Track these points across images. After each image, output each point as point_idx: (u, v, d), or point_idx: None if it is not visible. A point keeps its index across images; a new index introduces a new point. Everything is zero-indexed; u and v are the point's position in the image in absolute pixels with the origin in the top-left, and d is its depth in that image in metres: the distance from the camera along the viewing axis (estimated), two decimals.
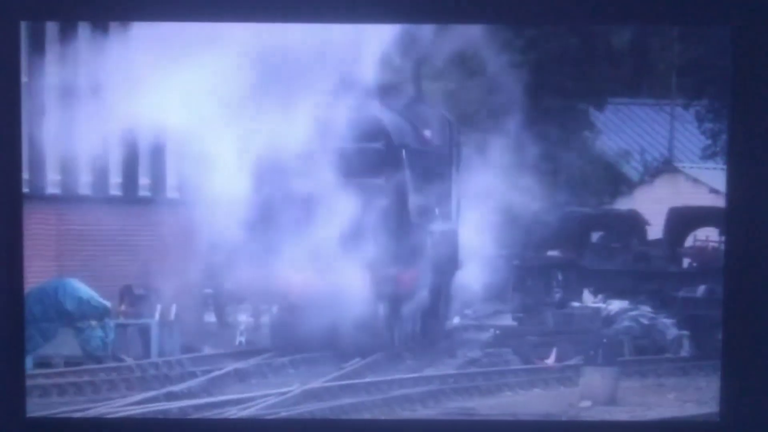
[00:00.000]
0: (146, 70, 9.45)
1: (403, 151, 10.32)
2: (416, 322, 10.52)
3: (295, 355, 9.95)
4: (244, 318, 10.49)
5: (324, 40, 9.36)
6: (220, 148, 9.79)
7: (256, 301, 10.22)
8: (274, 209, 9.92)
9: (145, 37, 9.01)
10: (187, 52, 9.22)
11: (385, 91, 10.72)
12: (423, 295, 10.30)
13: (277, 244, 9.89)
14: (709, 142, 13.70)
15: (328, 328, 9.82)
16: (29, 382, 6.91)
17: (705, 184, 13.16)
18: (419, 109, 11.16)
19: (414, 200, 10.27)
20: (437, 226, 10.60)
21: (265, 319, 10.36)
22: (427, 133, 11.00)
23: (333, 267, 9.85)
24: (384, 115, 10.50)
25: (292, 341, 10.02)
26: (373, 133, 10.20)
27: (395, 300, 10.05)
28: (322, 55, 9.65)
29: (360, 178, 10.02)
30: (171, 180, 11.17)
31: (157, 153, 10.94)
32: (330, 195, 9.89)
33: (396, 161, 10.21)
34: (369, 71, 10.50)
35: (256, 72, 9.50)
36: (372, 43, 10.32)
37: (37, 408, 7.47)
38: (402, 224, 10.06)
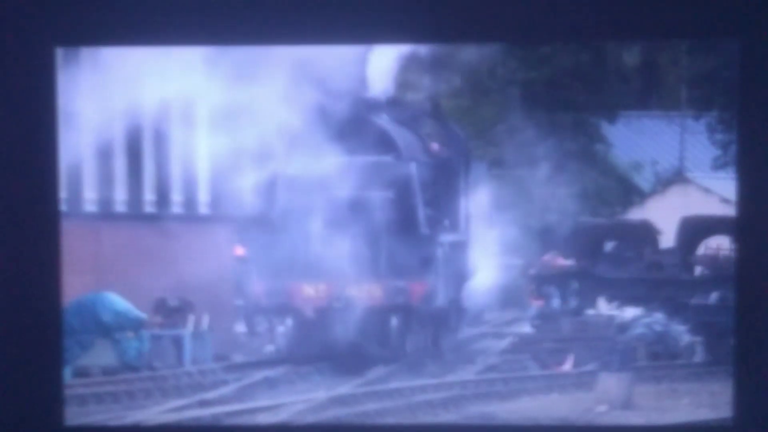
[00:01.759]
0: (172, 87, 9.47)
1: (413, 164, 10.18)
2: (428, 333, 10.39)
3: (312, 364, 9.87)
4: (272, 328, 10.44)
5: (334, 52, 9.29)
6: (241, 163, 9.77)
7: (269, 314, 10.14)
8: (287, 223, 9.85)
9: (172, 56, 9.03)
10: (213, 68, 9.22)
11: (394, 106, 10.64)
12: (434, 305, 10.17)
13: (288, 257, 9.83)
14: (719, 152, 13.51)
15: (341, 340, 9.74)
16: (68, 392, 6.91)
17: (716, 193, 12.97)
18: (428, 122, 11.08)
19: (423, 212, 10.12)
20: (447, 238, 10.42)
21: (281, 330, 10.27)
22: (436, 145, 10.91)
23: (344, 279, 9.77)
24: (393, 128, 10.38)
25: (306, 353, 9.94)
26: (383, 146, 10.08)
27: (407, 311, 9.90)
28: (333, 67, 9.59)
29: (370, 191, 9.94)
30: (202, 197, 11.20)
31: (188, 170, 10.98)
32: (340, 208, 9.83)
33: (406, 174, 10.08)
34: (378, 86, 10.43)
35: (272, 86, 9.46)
36: (382, 58, 10.27)
37: (75, 416, 7.47)
38: (412, 236, 9.91)
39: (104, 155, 10.22)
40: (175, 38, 3.03)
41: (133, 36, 2.95)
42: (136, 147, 10.47)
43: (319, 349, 9.84)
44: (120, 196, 10.66)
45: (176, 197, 11.07)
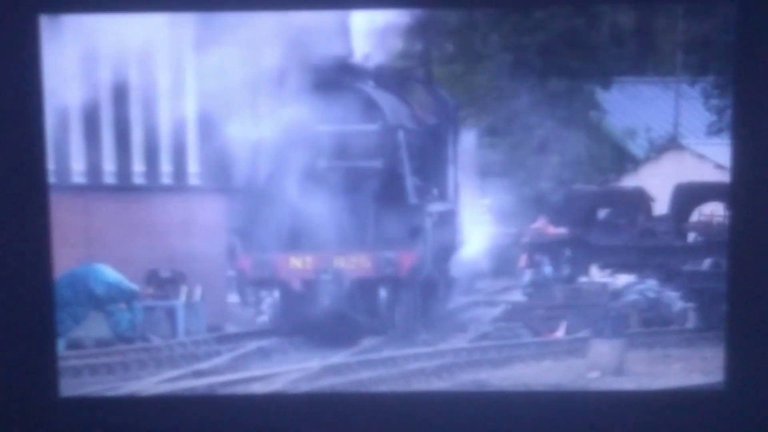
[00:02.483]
0: (161, 58, 9.43)
1: (400, 132, 10.06)
2: (417, 303, 10.45)
3: (304, 335, 9.94)
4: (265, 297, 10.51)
5: (319, 18, 9.22)
6: (232, 132, 9.75)
7: (256, 286, 10.18)
8: (271, 194, 9.83)
9: (164, 22, 8.98)
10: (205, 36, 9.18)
11: (381, 72, 10.55)
12: (423, 276, 10.09)
13: (274, 229, 9.83)
14: (714, 118, 13.53)
15: (329, 312, 9.79)
16: (62, 364, 6.97)
17: (710, 159, 13.01)
18: (416, 88, 11.00)
19: (411, 181, 10.04)
20: (436, 207, 10.32)
21: (269, 302, 10.32)
22: (423, 112, 10.83)
23: (332, 251, 9.73)
24: (379, 95, 10.20)
25: (294, 325, 10.00)
26: (369, 114, 9.93)
27: (396, 282, 9.84)
28: (316, 33, 9.51)
29: (357, 160, 9.87)
30: (193, 168, 11.22)
31: (179, 141, 10.98)
32: (326, 178, 9.78)
33: (392, 142, 9.97)
34: (365, 51, 10.34)
35: (253, 51, 9.40)
36: (369, 22, 10.19)
37: (70, 388, 7.55)
38: (400, 206, 9.82)
39: (91, 125, 10.21)
40: (160, 5, 3.04)
41: (118, 2, 2.95)
42: (124, 116, 10.46)
43: (307, 321, 9.90)
44: (108, 167, 10.68)
45: (165, 168, 11.09)
